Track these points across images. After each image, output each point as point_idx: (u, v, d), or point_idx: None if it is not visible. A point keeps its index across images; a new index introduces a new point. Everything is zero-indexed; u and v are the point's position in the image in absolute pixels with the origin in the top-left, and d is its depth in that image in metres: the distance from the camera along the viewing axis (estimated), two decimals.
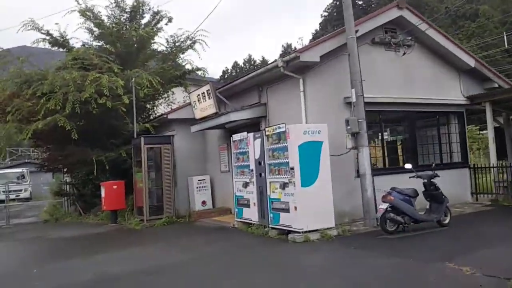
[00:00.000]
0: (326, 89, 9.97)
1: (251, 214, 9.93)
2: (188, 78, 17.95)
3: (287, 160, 8.64)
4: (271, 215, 9.12)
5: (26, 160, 40.89)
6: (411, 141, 11.48)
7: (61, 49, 16.97)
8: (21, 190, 33.16)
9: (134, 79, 13.72)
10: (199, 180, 13.91)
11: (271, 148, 9.19)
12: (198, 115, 12.48)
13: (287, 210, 8.60)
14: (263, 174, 9.46)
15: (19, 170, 36.15)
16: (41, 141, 15.86)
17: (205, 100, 11.78)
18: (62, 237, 11.87)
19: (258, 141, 9.58)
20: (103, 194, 13.72)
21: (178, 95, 18.11)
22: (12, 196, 32.00)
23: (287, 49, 65.71)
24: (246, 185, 10.11)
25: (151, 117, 16.96)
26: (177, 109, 14.46)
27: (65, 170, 16.23)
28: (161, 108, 18.01)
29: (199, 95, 12.07)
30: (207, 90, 11.51)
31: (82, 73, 13.21)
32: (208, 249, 8.62)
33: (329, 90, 10.00)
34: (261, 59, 69.56)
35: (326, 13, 60.08)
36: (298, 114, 9.74)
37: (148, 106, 17.46)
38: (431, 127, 12.12)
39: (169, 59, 17.12)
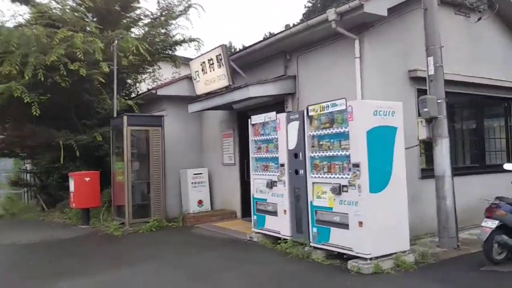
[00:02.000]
0: (387, 57, 7.29)
1: (279, 224, 7.23)
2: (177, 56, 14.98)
3: (346, 153, 5.96)
4: (315, 229, 6.44)
5: None
6: (477, 133, 8.95)
7: (24, 6, 13.67)
8: None
9: (116, 41, 10.72)
10: (194, 174, 11.08)
11: (317, 135, 6.49)
12: (201, 89, 9.61)
13: (344, 226, 5.94)
14: (301, 171, 6.76)
15: None
16: None
17: (213, 70, 8.91)
18: (16, 243, 8.86)
19: (295, 124, 6.87)
20: (72, 187, 10.74)
21: (166, 71, 15.11)
22: None
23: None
24: (271, 184, 7.40)
25: (132, 95, 13.96)
26: (168, 84, 11.53)
27: (24, 155, 13.08)
28: (144, 85, 15.00)
29: (203, 62, 9.16)
30: (217, 56, 8.63)
31: (49, 30, 10.11)
32: (232, 280, 5.80)
33: (390, 60, 7.33)
34: (241, 47, 66.02)
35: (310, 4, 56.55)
36: (350, 89, 7.04)
37: (129, 81, 14.41)
38: (496, 117, 9.61)
39: (157, 26, 14.05)
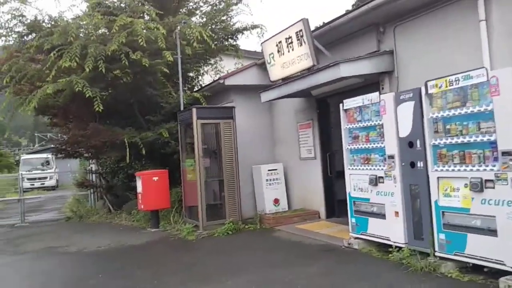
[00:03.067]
0: None
1: (389, 229, 5.96)
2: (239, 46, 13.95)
3: (490, 138, 4.59)
4: (442, 236, 5.12)
5: (53, 145, 37.93)
6: None
7: None
8: (46, 178, 30.26)
9: (179, 28, 9.82)
10: (269, 171, 10.01)
11: (442, 117, 5.14)
12: (276, 74, 8.44)
13: (489, 232, 4.59)
14: (419, 164, 5.44)
15: (44, 155, 33.03)
16: (58, 118, 12.19)
17: (292, 49, 7.71)
18: (83, 251, 8.20)
19: (408, 106, 5.55)
20: (139, 188, 10.00)
21: (227, 63, 14.15)
22: (37, 184, 29.37)
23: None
24: (376, 181, 6.12)
25: (195, 89, 13.10)
26: (236, 73, 10.49)
27: (89, 155, 12.60)
28: (207, 78, 14.12)
29: (280, 42, 7.97)
30: (297, 32, 7.42)
31: (108, 18, 9.35)
32: None
33: None
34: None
35: None
36: (471, 62, 5.60)
37: (191, 74, 13.58)
38: None
39: (218, 13, 13.05)
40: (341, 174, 10.13)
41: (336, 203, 9.19)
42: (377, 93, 6.10)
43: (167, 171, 10.11)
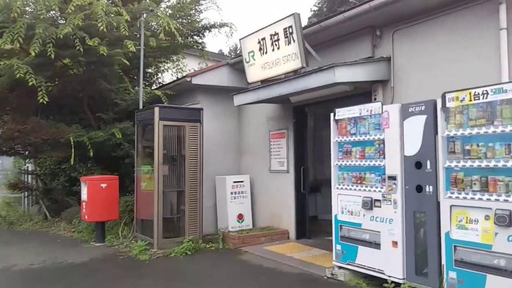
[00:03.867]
0: None
1: (383, 261, 5.14)
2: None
3: None
4: (453, 274, 4.35)
5: None
6: None
7: None
8: None
9: (145, 16, 8.66)
10: (234, 182, 9.04)
11: (461, 136, 4.40)
12: (255, 75, 7.48)
13: None
14: (428, 188, 4.68)
15: None
16: None
17: (278, 48, 6.77)
18: (10, 268, 6.78)
19: (418, 120, 4.78)
20: (84, 195, 8.64)
21: (190, 63, 13.08)
22: None
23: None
24: (371, 204, 5.30)
25: (154, 87, 11.89)
26: (204, 71, 9.44)
27: (25, 153, 11.00)
28: (167, 76, 12.95)
29: (263, 39, 7.00)
30: (285, 29, 6.49)
31: None
32: None
33: None
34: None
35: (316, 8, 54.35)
36: (486, 74, 4.98)
37: (150, 70, 12.38)
38: None
39: (185, 8, 11.94)
40: (313, 190, 9.45)
41: (307, 223, 8.36)
42: (379, 103, 5.30)
43: (117, 177, 8.85)
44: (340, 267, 5.74)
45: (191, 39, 12.18)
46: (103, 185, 8.57)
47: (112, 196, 8.60)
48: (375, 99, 6.49)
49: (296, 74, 6.50)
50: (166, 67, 12.76)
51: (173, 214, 8.43)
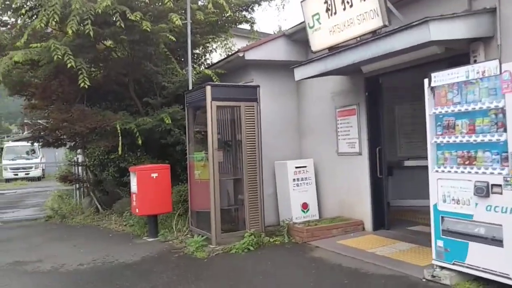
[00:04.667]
0: None
1: (506, 262, 4.00)
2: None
3: None
4: None
5: (28, 132, 35.41)
6: None
7: None
8: (31, 167, 28.01)
9: None
10: (297, 168, 8.06)
11: None
12: (321, 42, 6.37)
13: None
14: None
15: (29, 143, 30.69)
16: (36, 98, 10.07)
17: (350, 5, 5.61)
18: (59, 270, 6.17)
19: None
20: (134, 187, 7.96)
21: (239, 44, 12.16)
22: (21, 175, 27.16)
23: None
24: (487, 190, 4.15)
25: (202, 67, 11.04)
26: (258, 45, 8.43)
27: (72, 144, 10.52)
28: (216, 57, 12.08)
29: None
30: None
31: None
32: None
33: None
34: None
35: None
36: None
37: (197, 51, 11.53)
38: None
39: None
40: (391, 174, 8.30)
41: (385, 212, 7.24)
42: (496, 61, 4.10)
43: (169, 166, 8.10)
44: (442, 268, 4.64)
45: (240, 15, 11.22)
46: (154, 175, 7.82)
47: (164, 187, 7.85)
48: (475, 61, 5.24)
49: (375, 35, 5.35)
50: (214, 46, 11.89)
51: (230, 204, 7.61)
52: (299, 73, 6.88)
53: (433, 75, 4.69)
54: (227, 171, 7.71)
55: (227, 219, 7.28)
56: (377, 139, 7.18)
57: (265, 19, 25.76)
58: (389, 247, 6.10)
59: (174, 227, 7.90)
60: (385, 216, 7.19)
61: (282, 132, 8.64)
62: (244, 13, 11.43)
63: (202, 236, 6.93)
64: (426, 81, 4.77)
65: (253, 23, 11.59)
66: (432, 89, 4.73)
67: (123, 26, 7.02)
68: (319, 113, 8.24)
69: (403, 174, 8.86)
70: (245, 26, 12.15)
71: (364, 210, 7.27)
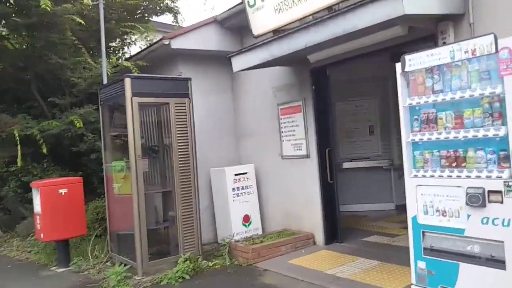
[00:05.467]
0: None
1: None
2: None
3: None
4: None
5: None
6: None
7: None
8: None
9: None
10: (236, 175, 7.00)
11: None
12: (264, 23, 5.34)
13: None
14: None
15: None
16: None
17: None
18: None
19: None
20: (37, 206, 6.40)
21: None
22: None
23: None
24: (482, 199, 3.34)
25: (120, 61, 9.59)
26: (186, 31, 7.25)
27: None
28: (135, 51, 10.66)
29: None
30: None
31: None
32: None
33: None
34: None
35: None
36: None
37: (114, 44, 10.06)
38: None
39: None
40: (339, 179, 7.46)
41: (338, 222, 6.40)
42: (491, 36, 3.29)
43: (81, 179, 6.66)
44: None
45: (162, 2, 9.95)
46: (63, 191, 6.35)
47: (75, 205, 6.41)
48: (443, 43, 4.50)
49: (332, 12, 4.42)
50: (133, 39, 10.47)
51: (159, 223, 6.33)
52: (238, 62, 5.81)
53: (407, 57, 3.83)
54: (154, 182, 6.44)
55: (156, 241, 6.01)
56: (327, 139, 6.31)
57: (191, 9, 24.16)
58: (349, 266, 5.21)
59: (90, 254, 6.47)
60: (338, 227, 6.34)
61: (216, 134, 7.56)
62: (166, 1, 10.19)
63: (125, 265, 5.61)
64: (398, 65, 3.91)
65: (177, 12, 10.35)
66: (405, 74, 3.89)
67: (13, 2, 5.50)
68: (259, 111, 7.25)
69: (345, 178, 8.09)
70: (169, 17, 10.92)
71: (314, 222, 6.36)
